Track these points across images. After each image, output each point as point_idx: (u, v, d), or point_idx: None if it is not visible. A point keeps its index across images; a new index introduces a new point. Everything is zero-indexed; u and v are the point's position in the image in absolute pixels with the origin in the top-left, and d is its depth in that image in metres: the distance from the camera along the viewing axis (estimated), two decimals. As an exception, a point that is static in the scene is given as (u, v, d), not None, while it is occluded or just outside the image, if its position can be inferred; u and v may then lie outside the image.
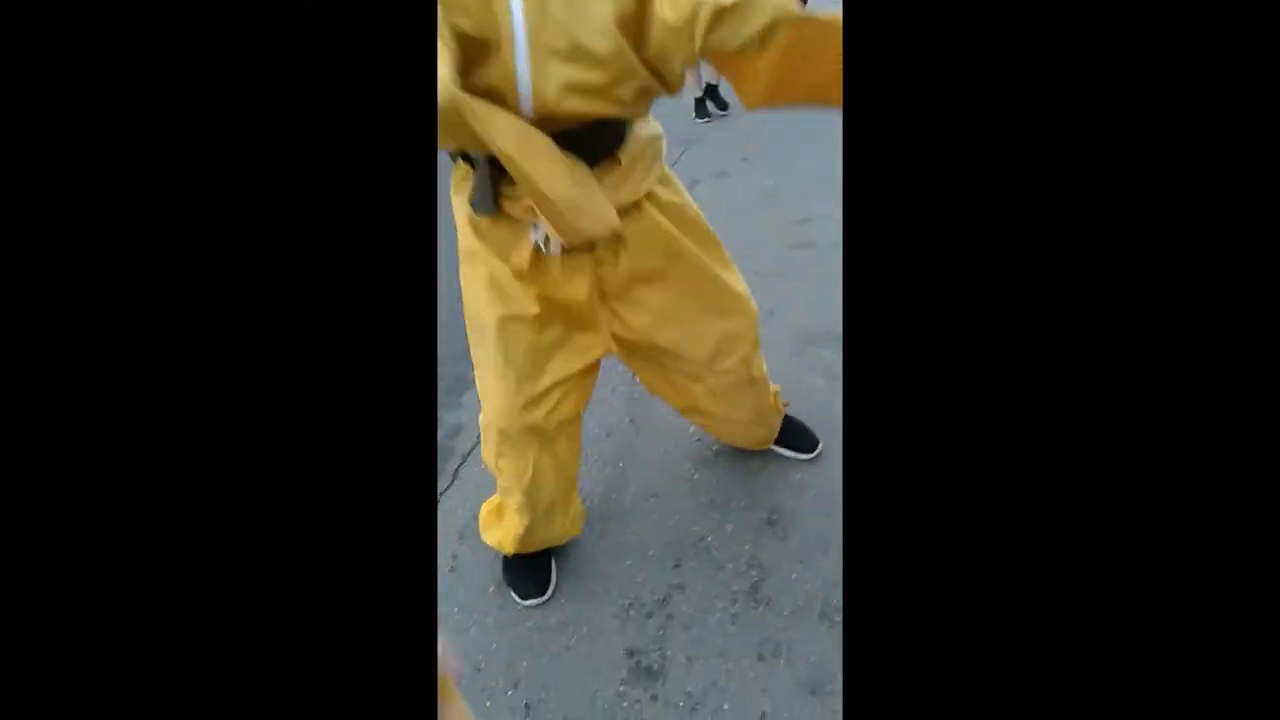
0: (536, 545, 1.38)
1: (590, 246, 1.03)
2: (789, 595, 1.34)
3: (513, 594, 1.39)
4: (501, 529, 1.38)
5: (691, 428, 1.71)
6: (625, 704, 1.20)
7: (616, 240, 1.03)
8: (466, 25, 0.79)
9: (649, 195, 1.05)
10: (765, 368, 1.41)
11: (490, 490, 1.40)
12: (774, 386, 1.49)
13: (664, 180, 1.10)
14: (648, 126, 1.03)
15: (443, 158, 0.97)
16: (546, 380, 1.12)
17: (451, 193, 1.07)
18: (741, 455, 1.63)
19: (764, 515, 1.50)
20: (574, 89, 0.83)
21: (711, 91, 4.05)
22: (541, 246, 1.00)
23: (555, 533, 1.38)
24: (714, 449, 1.66)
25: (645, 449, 1.71)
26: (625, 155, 0.98)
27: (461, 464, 1.74)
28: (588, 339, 1.14)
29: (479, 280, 1.07)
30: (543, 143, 0.83)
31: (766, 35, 0.83)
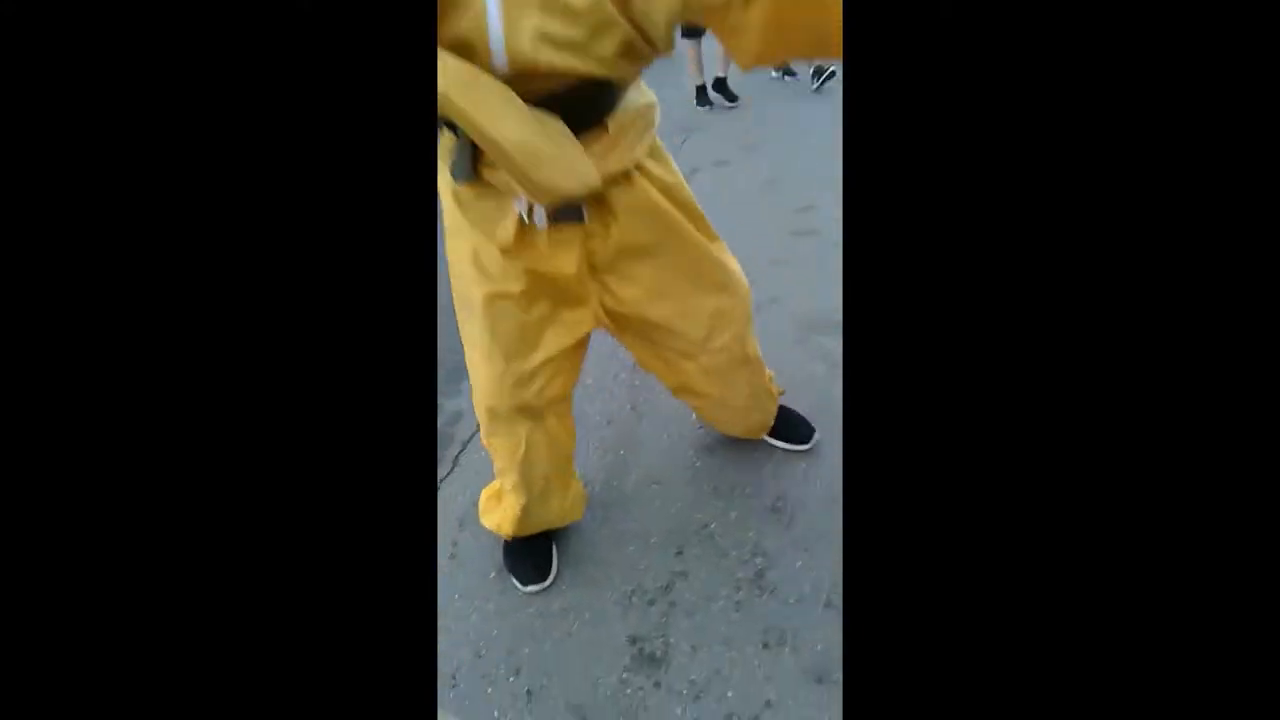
0: (535, 527, 1.37)
1: (578, 215, 0.98)
2: (794, 583, 1.33)
3: (513, 580, 1.38)
4: (499, 511, 1.37)
5: (694, 415, 1.70)
6: (628, 691, 1.20)
7: (605, 211, 1.00)
8: None
9: (640, 168, 1.01)
10: (759, 349, 1.39)
11: (490, 477, 1.39)
12: (769, 371, 1.47)
13: (656, 155, 1.06)
14: (641, 94, 0.99)
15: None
16: (536, 359, 1.10)
17: (440, 167, 1.04)
18: (745, 443, 1.62)
19: (768, 503, 1.49)
20: (548, 40, 0.77)
21: (720, 84, 4.01)
22: (525, 217, 0.96)
23: (552, 513, 1.37)
24: (717, 436, 1.65)
25: (647, 436, 1.70)
26: (614, 123, 0.93)
27: (461, 451, 1.73)
28: (576, 314, 1.11)
29: (464, 256, 1.05)
30: (495, 87, 0.77)
31: None
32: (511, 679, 1.24)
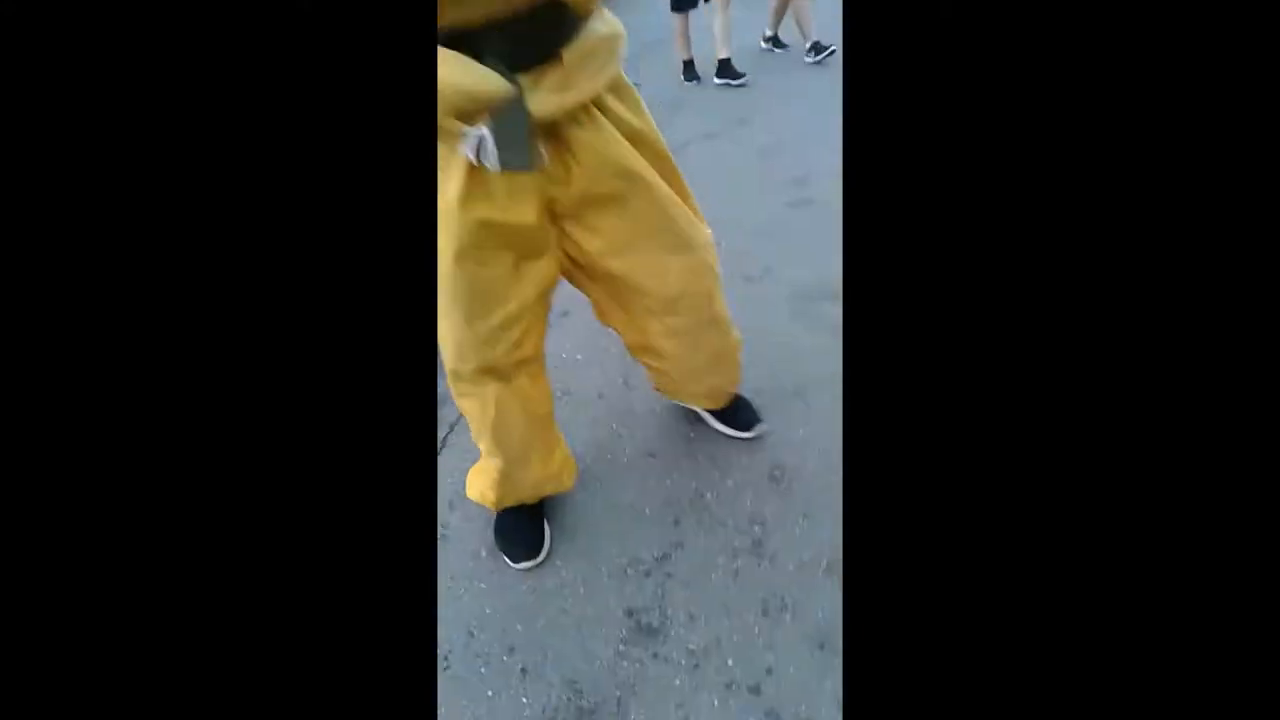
0: (519, 494, 1.33)
1: (523, 161, 0.87)
2: (793, 550, 1.31)
3: (505, 558, 1.36)
4: (481, 480, 1.34)
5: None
6: (626, 663, 1.17)
7: (565, 152, 0.92)
8: None
9: (601, 105, 0.94)
10: (727, 308, 1.31)
11: (478, 459, 1.37)
12: (737, 336, 1.38)
13: (621, 92, 0.98)
14: (604, 23, 0.91)
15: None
16: (497, 316, 1.04)
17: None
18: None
19: (765, 471, 1.47)
20: None
21: (724, 65, 3.92)
22: (474, 159, 0.86)
23: (534, 478, 1.32)
24: (711, 406, 1.62)
25: (639, 409, 1.67)
26: (571, 53, 0.84)
27: (450, 432, 1.70)
28: (538, 265, 1.04)
29: None
30: None
31: None
32: (506, 658, 1.22)
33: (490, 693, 1.17)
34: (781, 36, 4.37)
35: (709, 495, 1.44)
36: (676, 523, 1.39)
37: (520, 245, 0.99)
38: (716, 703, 1.10)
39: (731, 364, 1.44)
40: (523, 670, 1.19)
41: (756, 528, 1.35)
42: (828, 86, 3.60)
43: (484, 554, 1.40)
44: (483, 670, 1.20)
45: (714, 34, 3.83)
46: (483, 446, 1.27)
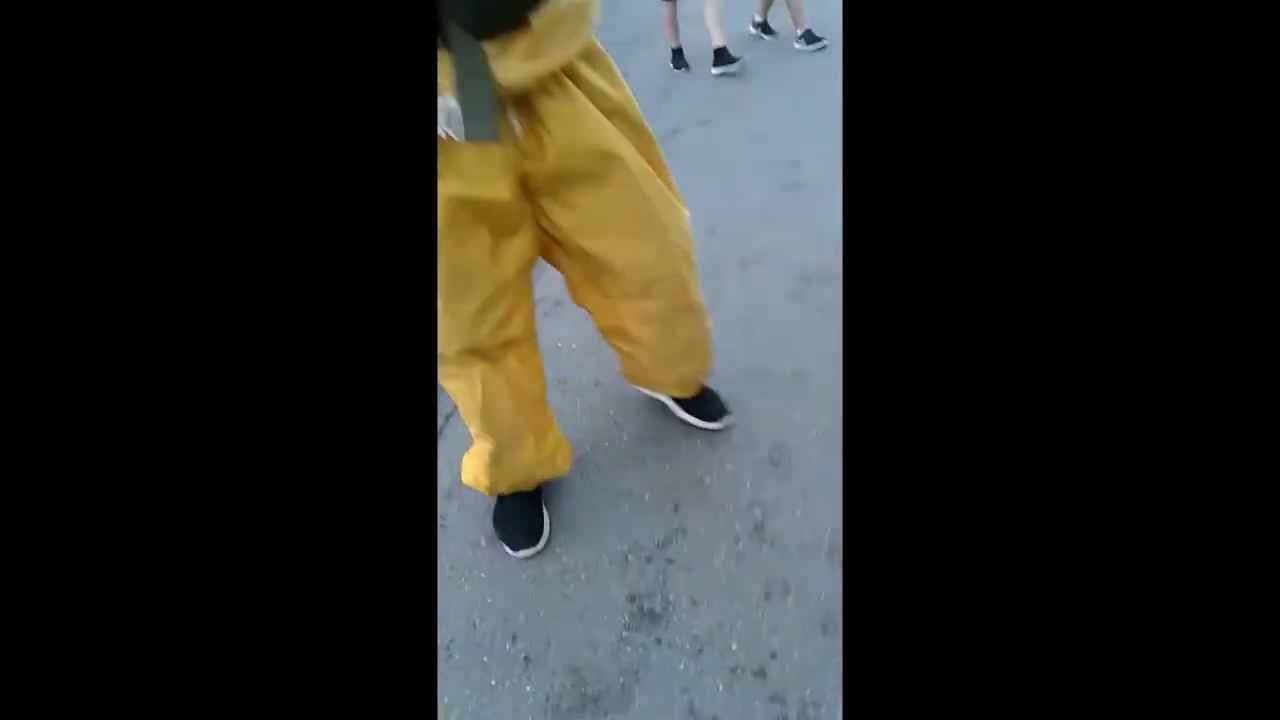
0: (512, 478, 1.31)
1: (489, 131, 0.83)
2: (795, 533, 1.30)
3: (505, 547, 1.34)
4: (474, 464, 1.32)
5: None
6: (629, 649, 1.16)
7: (537, 123, 0.89)
8: None
9: (573, 74, 0.90)
10: (702, 295, 1.29)
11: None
12: (709, 322, 1.36)
13: (592, 59, 0.95)
14: None
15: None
16: (479, 297, 1.01)
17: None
18: (739, 396, 1.58)
19: (764, 455, 1.46)
20: None
21: (721, 54, 3.86)
22: (443, 130, 0.82)
23: (527, 461, 1.29)
24: (708, 390, 1.61)
25: (637, 396, 1.65)
26: (540, 18, 0.81)
27: (445, 423, 1.69)
28: (515, 243, 1.00)
29: None
30: None
31: None
32: (508, 646, 1.21)
33: (494, 681, 1.16)
34: (770, 23, 4.35)
35: (708, 480, 1.43)
36: (676, 508, 1.38)
37: (496, 222, 0.96)
38: (721, 687, 1.10)
39: (704, 352, 1.42)
40: (526, 658, 1.18)
41: (757, 511, 1.35)
42: (817, 72, 3.58)
43: (484, 543, 1.38)
44: (485, 659, 1.19)
45: (706, 23, 3.78)
46: (473, 429, 1.24)
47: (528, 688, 1.14)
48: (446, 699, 1.15)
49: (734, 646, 1.14)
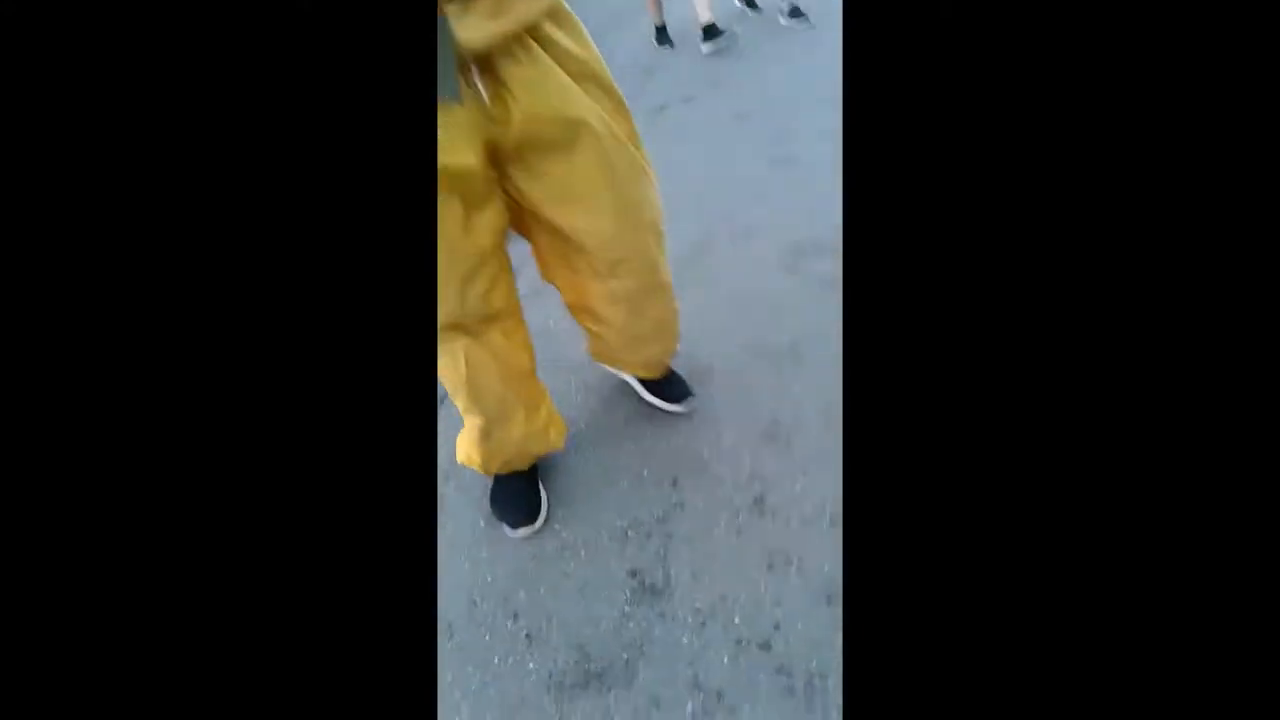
0: (505, 455, 1.29)
1: (453, 93, 0.80)
2: (795, 505, 1.29)
3: (504, 526, 1.32)
4: (465, 441, 1.30)
5: (679, 345, 1.64)
6: (632, 624, 1.15)
7: (501, 88, 0.85)
8: None
9: (538, 35, 0.86)
10: (669, 274, 1.25)
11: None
12: (676, 303, 1.34)
13: (558, 18, 0.90)
14: None
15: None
16: (459, 271, 0.96)
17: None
18: (734, 370, 1.56)
19: (762, 428, 1.44)
20: None
21: (710, 30, 3.78)
22: None
23: (518, 436, 1.26)
24: (706, 365, 1.59)
25: (632, 372, 1.64)
26: None
27: (440, 404, 1.66)
28: (486, 215, 0.95)
29: None
30: None
31: None
32: (510, 624, 1.19)
33: (496, 659, 1.14)
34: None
35: (706, 454, 1.41)
36: (675, 483, 1.37)
37: (466, 192, 0.91)
38: (726, 660, 1.09)
39: (671, 333, 1.39)
40: (528, 636, 1.16)
41: (757, 484, 1.33)
42: (803, 47, 3.53)
43: (482, 523, 1.37)
44: (488, 638, 1.18)
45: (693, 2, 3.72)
46: (460, 406, 1.21)
47: (531, 665, 1.12)
48: (449, 677, 1.13)
49: (737, 619, 1.13)
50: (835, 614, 1.12)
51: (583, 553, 1.27)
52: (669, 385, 1.50)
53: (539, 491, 1.35)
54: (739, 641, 1.10)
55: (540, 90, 0.87)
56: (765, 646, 1.09)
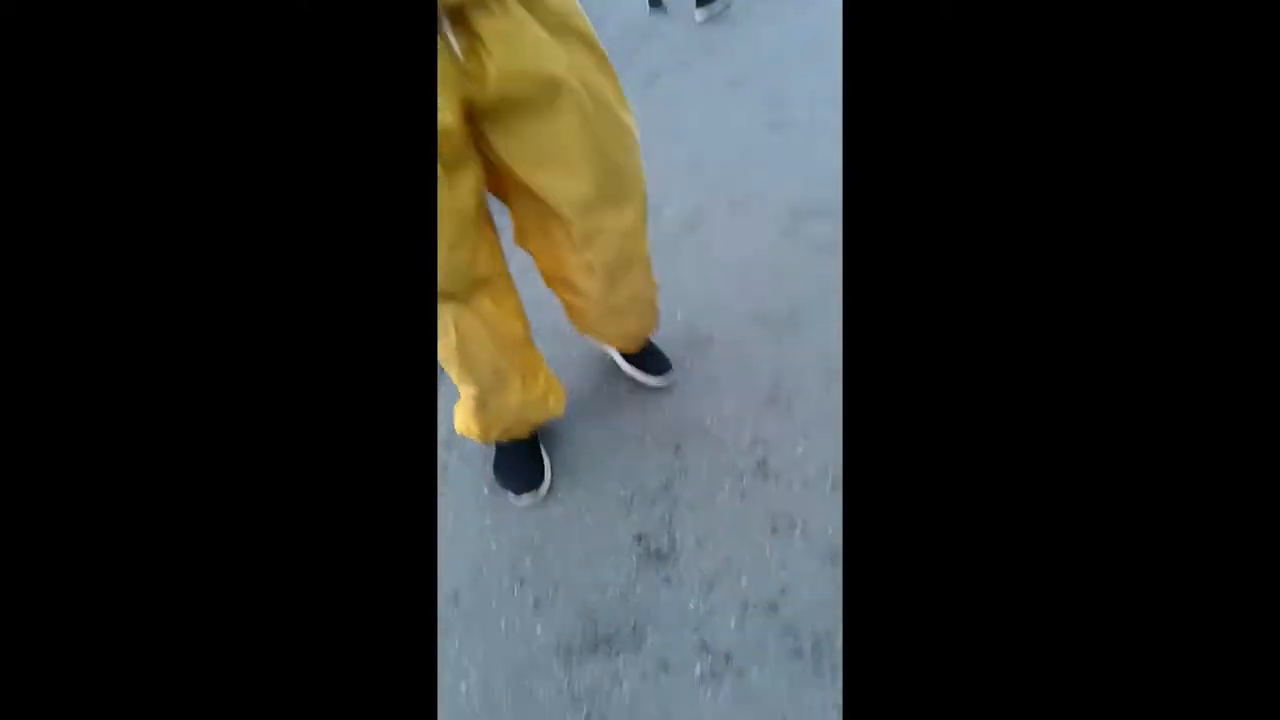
0: (504, 423, 1.27)
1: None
2: (798, 469, 1.28)
3: (508, 494, 1.32)
4: (462, 411, 1.28)
5: (679, 314, 1.62)
6: (639, 589, 1.15)
7: (475, 41, 0.80)
8: None
9: None
10: (649, 248, 1.21)
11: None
12: (655, 279, 1.31)
13: None
14: None
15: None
16: (443, 237, 0.92)
17: None
18: (735, 336, 1.55)
19: (763, 393, 1.43)
20: None
21: None
22: None
23: (515, 403, 1.24)
24: (705, 332, 1.58)
25: (633, 339, 1.62)
26: None
27: (441, 374, 1.65)
28: (465, 176, 0.92)
29: None
30: None
31: None
32: (516, 590, 1.19)
33: (503, 625, 1.14)
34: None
35: (708, 421, 1.40)
36: (678, 449, 1.36)
37: (445, 151, 0.86)
38: (734, 623, 1.09)
39: (649, 309, 1.36)
40: (535, 602, 1.16)
41: (759, 449, 1.33)
42: (796, 7, 3.47)
43: (486, 491, 1.36)
44: (494, 604, 1.18)
45: None
46: (452, 375, 1.18)
47: (538, 630, 1.12)
48: (457, 644, 1.13)
49: (744, 583, 1.13)
50: (840, 575, 1.12)
51: (588, 519, 1.26)
52: (649, 358, 1.48)
53: (541, 459, 1.34)
54: (745, 605, 1.11)
55: (516, 45, 0.82)
56: (772, 609, 1.09)
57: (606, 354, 1.59)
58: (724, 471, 1.30)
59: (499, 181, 1.03)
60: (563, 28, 0.87)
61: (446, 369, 1.18)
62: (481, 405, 1.21)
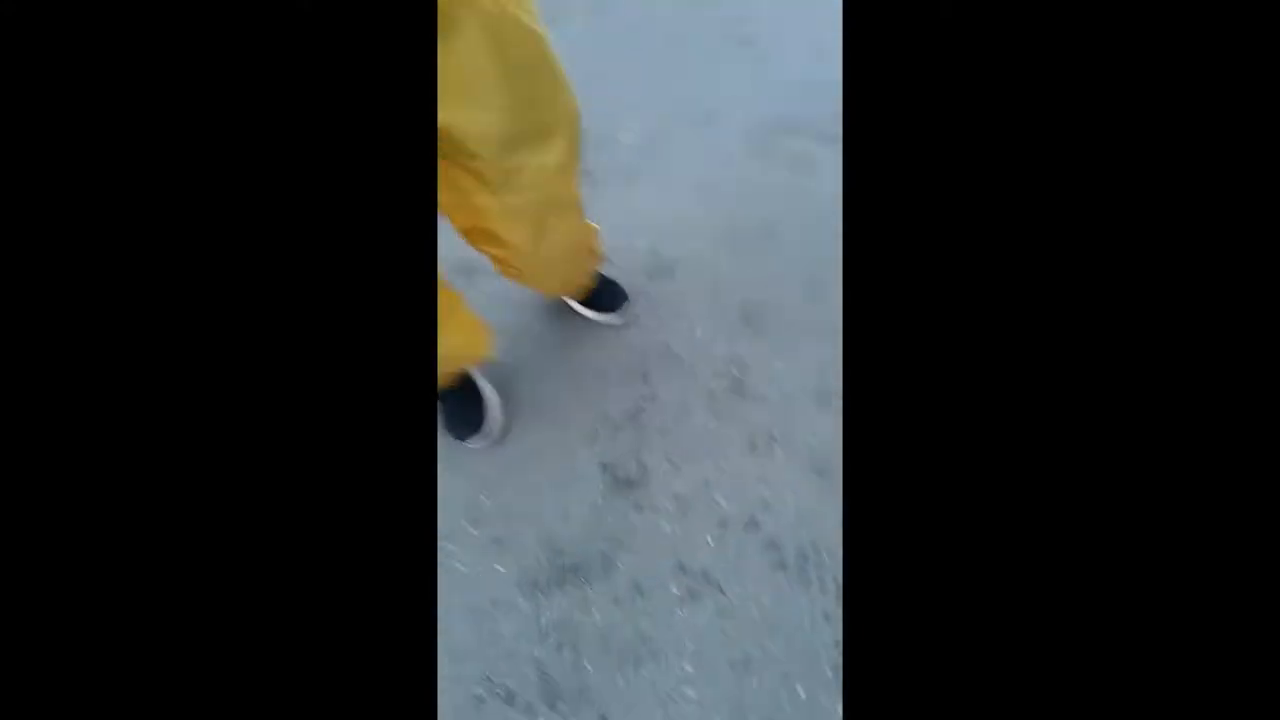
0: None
1: None
2: (776, 385, 1.29)
3: (453, 439, 1.30)
4: None
5: (642, 242, 1.61)
6: (609, 518, 1.15)
7: None
8: None
9: None
10: (580, 188, 1.15)
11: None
12: (593, 225, 1.29)
13: None
14: None
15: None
16: None
17: None
18: (701, 261, 1.55)
19: (736, 314, 1.43)
20: None
21: None
22: None
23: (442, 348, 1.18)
24: (671, 258, 1.57)
25: (591, 270, 1.61)
26: None
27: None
28: None
29: None
30: None
31: None
32: (474, 531, 1.18)
33: (462, 567, 1.13)
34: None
35: (676, 346, 1.40)
36: (645, 377, 1.36)
37: None
38: (711, 541, 1.09)
39: (587, 254, 1.32)
40: (495, 540, 1.15)
41: (733, 369, 1.33)
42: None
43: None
44: (451, 548, 1.17)
45: None
46: None
47: (500, 568, 1.12)
48: (411, 589, 1.12)
49: (721, 502, 1.13)
50: (824, 486, 1.13)
51: (550, 454, 1.26)
52: (602, 295, 1.46)
53: (481, 401, 1.32)
54: (723, 522, 1.11)
55: None
56: (752, 525, 1.10)
57: (563, 288, 1.58)
58: (696, 395, 1.30)
59: None
60: None
61: None
62: None
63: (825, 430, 1.21)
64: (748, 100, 2.03)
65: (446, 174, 1.01)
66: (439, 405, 1.34)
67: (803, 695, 0.96)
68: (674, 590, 1.05)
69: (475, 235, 1.15)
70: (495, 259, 1.23)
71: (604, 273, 1.48)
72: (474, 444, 1.29)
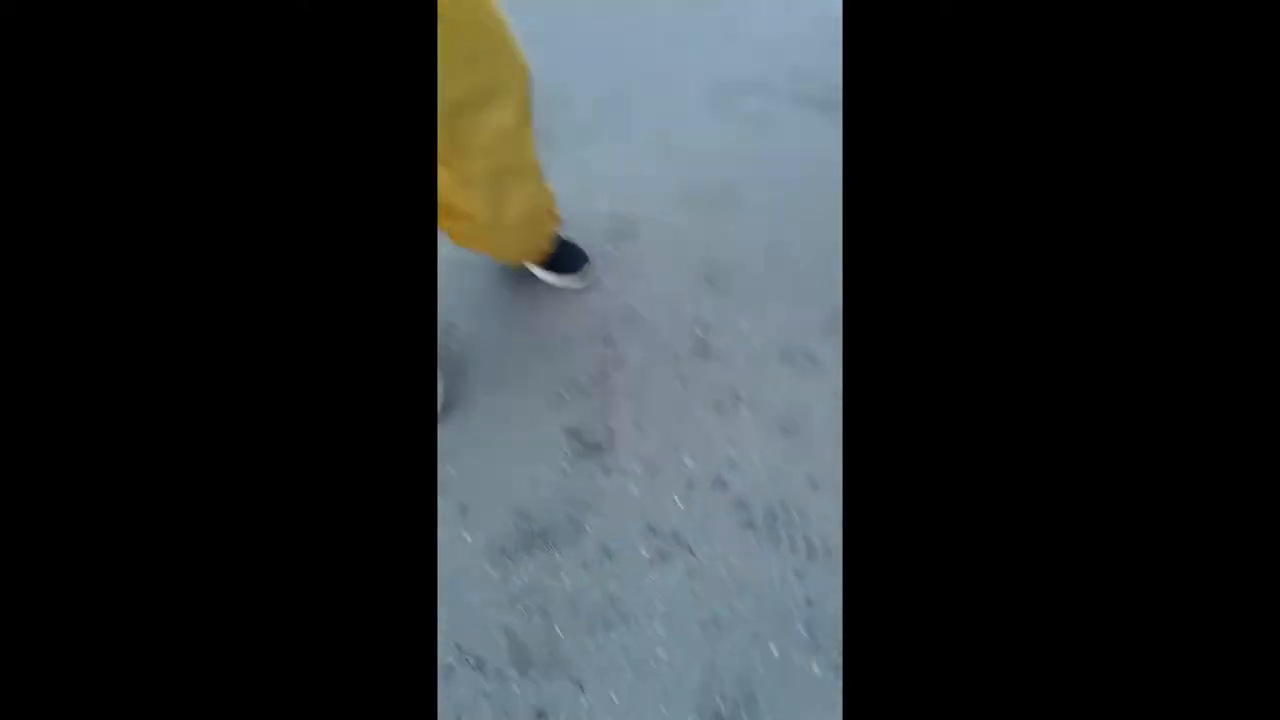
0: None
1: None
2: (741, 345, 1.32)
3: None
4: None
5: (602, 203, 1.63)
6: (574, 483, 1.18)
7: None
8: None
9: None
10: (538, 155, 1.17)
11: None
12: (550, 186, 1.31)
13: None
14: None
15: None
16: None
17: None
18: (663, 219, 1.57)
19: (698, 273, 1.46)
20: None
21: None
22: None
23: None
24: (632, 218, 1.59)
25: (550, 233, 1.63)
26: None
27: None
28: None
29: None
30: None
31: None
32: (441, 500, 1.20)
33: (426, 537, 1.15)
34: None
35: (640, 308, 1.42)
36: (608, 340, 1.38)
37: None
38: (679, 501, 1.12)
39: (546, 219, 1.35)
40: (461, 508, 1.18)
41: (697, 330, 1.36)
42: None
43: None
44: (414, 518, 1.18)
45: None
46: None
47: (466, 536, 1.14)
48: (375, 560, 1.14)
49: (688, 462, 1.17)
50: (792, 443, 1.16)
51: (513, 422, 1.28)
52: (562, 258, 1.48)
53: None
54: (691, 484, 1.14)
55: None
56: (720, 484, 1.13)
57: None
58: (660, 357, 1.32)
59: None
60: None
61: None
62: None
63: (790, 389, 1.24)
64: (706, 59, 2.05)
65: None
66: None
67: (775, 654, 1.01)
68: (643, 552, 1.08)
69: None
70: (455, 232, 1.24)
71: (563, 235, 1.49)
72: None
